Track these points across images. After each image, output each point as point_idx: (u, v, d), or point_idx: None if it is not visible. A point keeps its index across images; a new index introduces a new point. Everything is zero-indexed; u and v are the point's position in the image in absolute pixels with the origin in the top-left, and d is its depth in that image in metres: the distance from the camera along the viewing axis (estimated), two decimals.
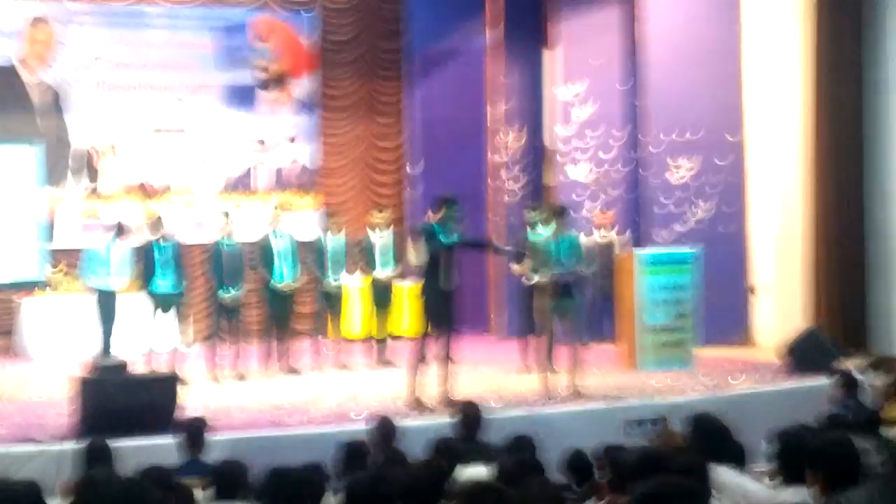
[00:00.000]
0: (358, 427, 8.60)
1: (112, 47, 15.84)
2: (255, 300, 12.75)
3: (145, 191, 16.01)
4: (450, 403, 9.24)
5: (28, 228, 11.61)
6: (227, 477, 5.72)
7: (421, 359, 9.78)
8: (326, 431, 8.67)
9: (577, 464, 6.16)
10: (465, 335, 14.92)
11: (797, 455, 4.67)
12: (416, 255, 10.99)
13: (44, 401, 10.53)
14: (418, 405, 9.60)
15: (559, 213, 10.55)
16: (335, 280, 12.54)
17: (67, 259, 15.11)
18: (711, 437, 5.21)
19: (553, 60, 15.32)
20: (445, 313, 9.84)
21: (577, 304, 10.45)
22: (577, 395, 10.05)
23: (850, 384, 9.20)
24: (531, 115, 15.70)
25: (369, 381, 11.48)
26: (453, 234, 9.59)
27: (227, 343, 12.06)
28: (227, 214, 12.42)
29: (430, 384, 10.01)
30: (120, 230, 11.89)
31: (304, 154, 17.01)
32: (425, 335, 9.89)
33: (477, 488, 3.49)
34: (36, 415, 9.69)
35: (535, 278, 10.34)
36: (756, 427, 6.71)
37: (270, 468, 5.01)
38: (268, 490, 4.82)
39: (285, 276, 12.10)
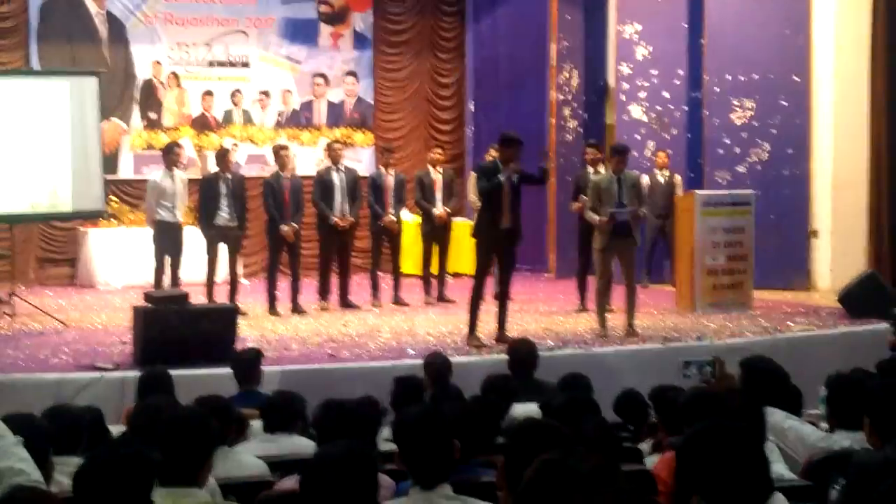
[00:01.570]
0: (414, 362, 8.67)
1: None
2: (313, 234, 12.81)
3: (204, 124, 16.11)
4: (505, 341, 9.25)
5: (91, 159, 11.69)
6: (280, 408, 5.81)
7: (479, 296, 9.78)
8: (382, 366, 8.75)
9: (631, 404, 6.17)
10: (522, 274, 15.06)
11: (851, 400, 4.66)
12: (476, 192, 10.98)
13: (106, 329, 10.72)
14: (476, 342, 9.63)
15: (619, 152, 10.46)
16: (393, 216, 12.57)
17: (130, 190, 15.32)
18: (766, 380, 5.19)
19: None
20: (501, 251, 9.83)
21: (635, 243, 10.40)
22: (632, 334, 10.05)
23: None
24: (593, 53, 15.53)
25: (426, 317, 11.55)
26: (514, 174, 9.52)
27: (285, 276, 12.14)
28: (284, 148, 12.42)
29: (488, 322, 10.04)
30: (171, 151, 11.96)
31: (363, 89, 16.99)
32: (482, 273, 9.89)
33: (529, 425, 3.50)
34: (98, 342, 9.87)
35: (594, 216, 10.29)
36: (812, 371, 6.68)
37: (325, 401, 5.07)
38: (323, 422, 4.88)
39: (343, 210, 12.13)
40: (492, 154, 11.12)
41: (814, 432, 4.83)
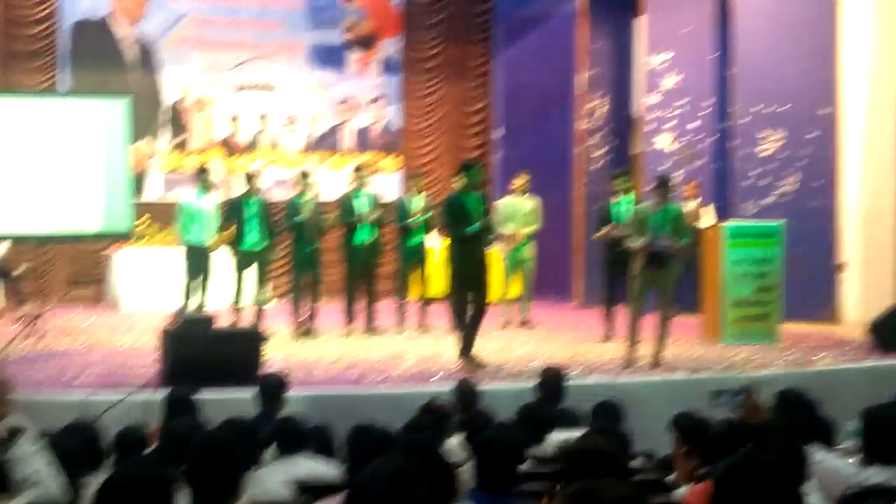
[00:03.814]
0: (438, 388, 8.65)
1: (202, 4, 15.99)
2: (336, 258, 12.81)
3: (231, 147, 16.19)
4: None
5: (118, 181, 11.76)
6: (290, 432, 5.80)
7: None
8: (408, 392, 8.72)
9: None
10: (547, 302, 15.03)
11: (884, 433, 4.61)
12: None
13: (131, 349, 10.74)
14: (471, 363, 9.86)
15: (661, 184, 10.40)
16: (417, 241, 12.57)
17: (156, 212, 15.38)
18: (800, 413, 5.14)
19: (642, 28, 15.13)
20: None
21: (670, 274, 10.31)
22: (656, 365, 9.99)
23: None
24: (619, 82, 15.54)
25: (451, 343, 11.49)
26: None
27: (308, 300, 12.12)
28: (307, 174, 12.38)
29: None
30: (202, 173, 11.99)
31: (388, 115, 17.04)
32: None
33: (585, 452, 3.45)
34: (123, 363, 9.88)
35: (634, 243, 10.24)
36: (839, 405, 6.61)
37: (353, 426, 5.03)
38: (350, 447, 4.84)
39: (365, 235, 12.13)
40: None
41: (847, 466, 4.78)
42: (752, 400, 4.85)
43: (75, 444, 4.42)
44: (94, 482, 3.34)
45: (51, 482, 3.42)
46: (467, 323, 10.03)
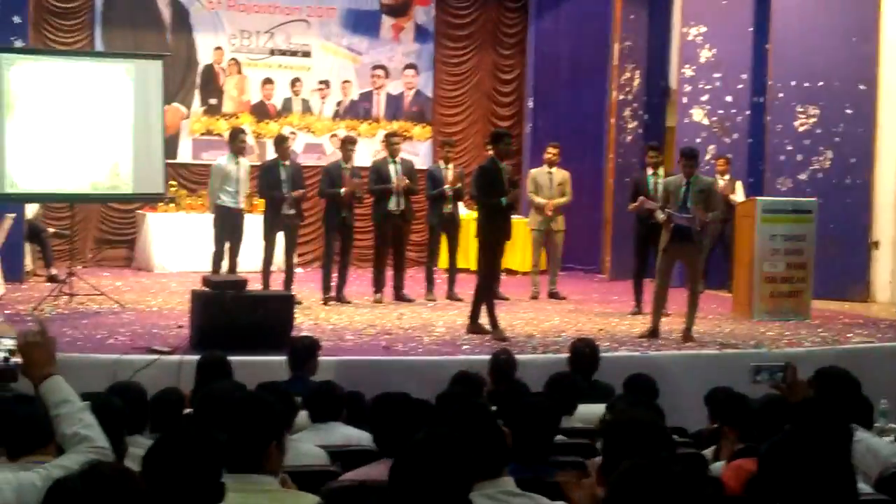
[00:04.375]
0: (468, 358, 8.65)
1: None
2: (370, 225, 12.79)
3: (265, 111, 16.17)
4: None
5: (151, 143, 11.75)
6: (325, 398, 5.80)
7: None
8: (437, 360, 8.71)
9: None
10: (576, 274, 15.00)
11: None
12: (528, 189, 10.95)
13: (162, 312, 10.77)
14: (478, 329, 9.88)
15: (687, 156, 10.30)
16: (447, 210, 12.54)
17: (188, 174, 15.41)
18: (840, 391, 5.10)
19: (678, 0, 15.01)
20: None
21: (698, 250, 10.24)
22: (688, 339, 9.94)
23: None
24: (656, 54, 15.43)
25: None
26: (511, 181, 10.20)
27: (339, 266, 12.10)
28: (352, 140, 12.36)
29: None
30: (236, 136, 11.98)
31: (422, 82, 16.97)
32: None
33: (630, 423, 3.42)
34: (154, 325, 9.91)
35: (660, 216, 10.19)
36: (871, 384, 6.54)
37: (379, 394, 5.00)
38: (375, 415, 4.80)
39: (399, 203, 12.11)
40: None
41: (887, 446, 4.74)
42: (794, 376, 4.80)
43: (121, 404, 4.44)
44: (138, 443, 3.35)
45: (100, 438, 3.43)
46: (476, 289, 10.02)
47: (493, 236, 9.98)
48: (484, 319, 10.01)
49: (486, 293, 10.03)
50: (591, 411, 5.85)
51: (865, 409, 5.07)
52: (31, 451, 3.68)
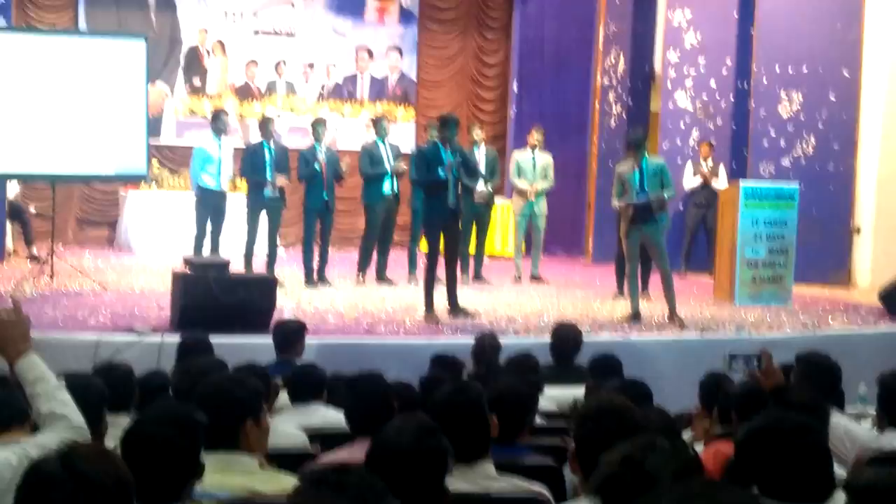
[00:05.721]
0: (449, 341, 8.65)
1: None
2: (347, 208, 12.75)
3: (249, 92, 16.12)
4: (458, 315, 9.87)
5: (135, 123, 11.69)
6: (304, 380, 5.80)
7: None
8: (419, 343, 8.71)
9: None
10: (559, 257, 15.02)
11: None
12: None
13: (143, 292, 10.74)
14: (433, 319, 9.76)
15: (631, 146, 10.39)
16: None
17: (171, 154, 15.36)
18: (819, 376, 5.12)
19: None
20: (447, 230, 10.04)
21: (659, 229, 10.30)
22: (676, 322, 9.98)
23: None
24: (641, 38, 15.42)
25: (460, 296, 11.47)
26: (457, 163, 9.86)
27: (321, 247, 12.06)
28: (319, 123, 12.22)
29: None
30: (218, 118, 11.93)
31: (407, 65, 16.95)
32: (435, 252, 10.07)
33: (603, 409, 3.42)
34: (136, 305, 9.88)
35: (615, 203, 10.32)
36: (850, 369, 6.57)
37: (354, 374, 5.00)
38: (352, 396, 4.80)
39: (391, 184, 12.07)
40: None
41: (865, 431, 4.76)
42: (769, 364, 4.82)
43: (101, 383, 4.44)
44: (118, 423, 3.35)
45: (75, 417, 3.42)
46: (446, 276, 10.00)
47: (430, 219, 9.95)
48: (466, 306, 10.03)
49: (430, 275, 9.96)
50: (571, 395, 5.86)
51: (838, 395, 5.09)
52: (6, 429, 3.67)
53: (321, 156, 11.73)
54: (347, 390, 4.74)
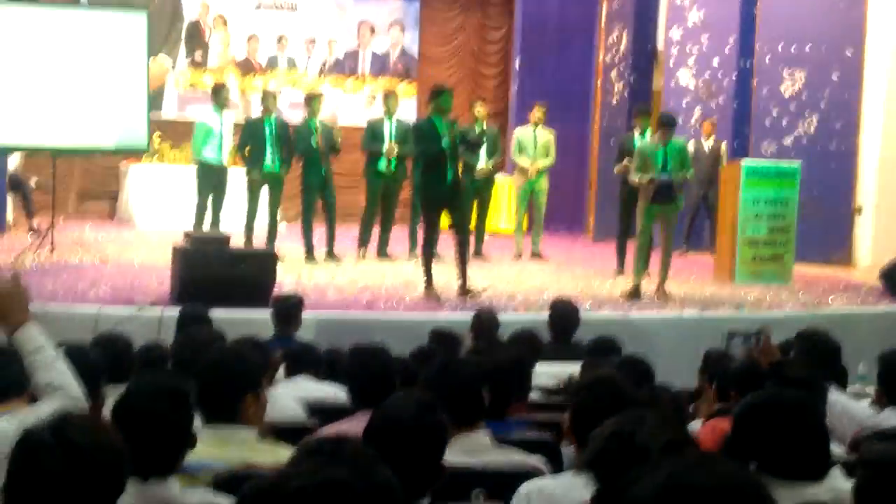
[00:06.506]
0: (448, 316, 8.65)
1: None
2: (348, 183, 12.72)
3: (251, 66, 16.08)
4: (466, 294, 9.65)
5: (136, 96, 11.66)
6: (298, 355, 5.82)
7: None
8: (419, 318, 8.70)
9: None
10: (560, 234, 15.00)
11: None
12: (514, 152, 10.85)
13: (143, 266, 10.73)
14: (434, 295, 9.70)
15: (666, 124, 10.32)
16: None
17: (172, 128, 15.33)
18: (820, 354, 5.13)
19: None
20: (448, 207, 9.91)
21: (678, 208, 10.31)
22: (662, 297, 9.98)
23: None
24: (644, 15, 15.34)
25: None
26: (455, 135, 9.78)
27: (326, 222, 12.02)
28: (313, 97, 12.12)
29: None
30: (219, 91, 11.90)
31: (408, 40, 16.89)
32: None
33: (599, 383, 3.43)
34: (136, 278, 9.88)
35: (637, 178, 10.22)
36: (851, 348, 6.57)
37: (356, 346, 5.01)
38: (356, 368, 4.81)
39: (388, 164, 12.01)
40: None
41: (863, 409, 4.77)
42: (767, 342, 4.82)
43: (99, 355, 4.44)
44: (118, 393, 3.34)
45: (73, 388, 3.42)
46: (455, 256, 9.93)
47: (427, 195, 9.89)
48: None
49: (427, 251, 9.91)
50: (550, 371, 5.88)
51: (840, 373, 5.10)
52: (4, 399, 3.67)
53: (317, 132, 11.65)
54: (350, 362, 4.75)
